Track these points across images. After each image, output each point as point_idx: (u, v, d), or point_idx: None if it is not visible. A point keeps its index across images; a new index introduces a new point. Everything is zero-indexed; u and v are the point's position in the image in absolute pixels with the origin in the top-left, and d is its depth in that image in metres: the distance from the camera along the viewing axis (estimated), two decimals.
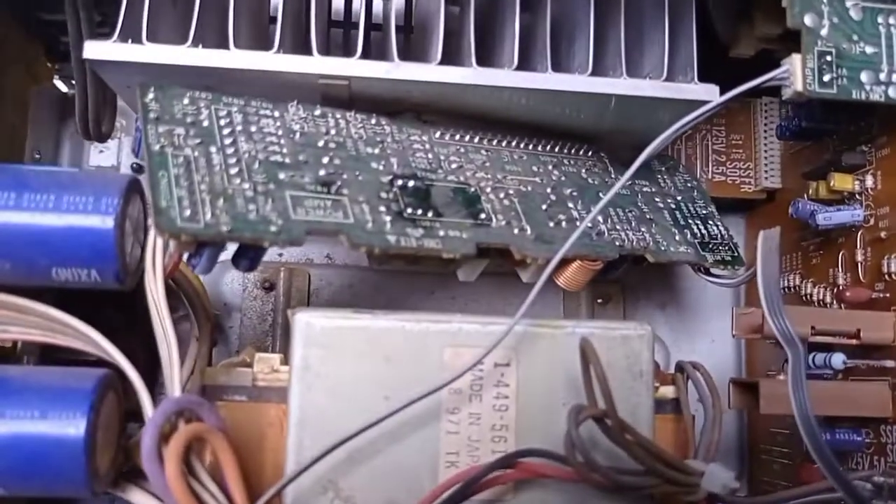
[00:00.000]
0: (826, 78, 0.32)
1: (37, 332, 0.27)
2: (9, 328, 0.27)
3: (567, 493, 0.30)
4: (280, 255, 0.43)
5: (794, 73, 0.32)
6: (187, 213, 0.26)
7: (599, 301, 0.45)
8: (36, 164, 0.41)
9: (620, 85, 0.33)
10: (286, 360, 0.31)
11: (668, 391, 0.34)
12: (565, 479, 0.29)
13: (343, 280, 0.44)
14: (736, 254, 0.38)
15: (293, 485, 0.29)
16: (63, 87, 0.43)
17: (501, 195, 0.34)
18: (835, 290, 0.38)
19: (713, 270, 0.39)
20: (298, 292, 0.42)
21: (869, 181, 0.36)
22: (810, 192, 0.38)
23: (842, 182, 0.36)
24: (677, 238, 0.37)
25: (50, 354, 0.30)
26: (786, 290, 0.42)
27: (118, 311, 0.29)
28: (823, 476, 0.30)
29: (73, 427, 0.26)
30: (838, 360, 0.34)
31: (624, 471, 0.29)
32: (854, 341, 0.34)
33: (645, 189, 0.39)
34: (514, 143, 0.37)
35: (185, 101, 0.30)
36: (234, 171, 0.29)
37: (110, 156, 0.44)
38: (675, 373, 0.34)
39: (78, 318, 0.28)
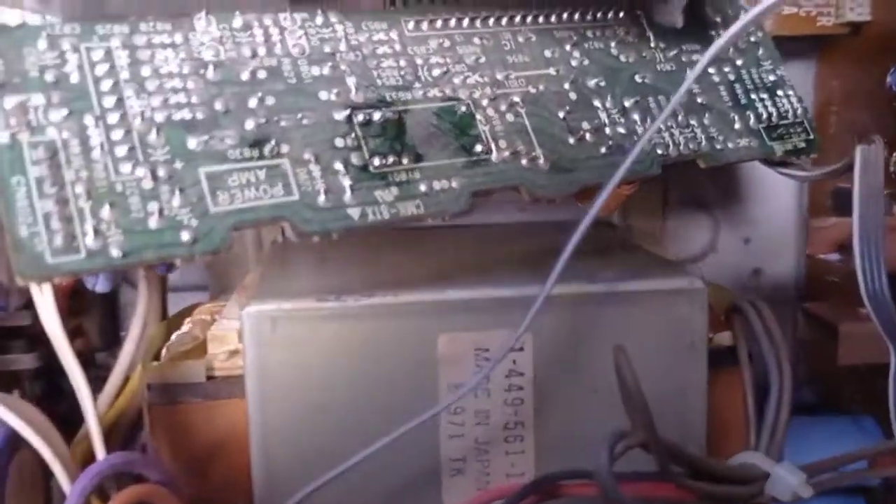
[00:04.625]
0: None
1: None
2: None
3: None
4: None
5: None
6: (59, 240, 0.19)
7: None
8: None
9: None
10: None
11: (723, 338, 0.27)
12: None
13: None
14: (811, 136, 0.30)
15: None
16: None
17: (503, 107, 0.25)
18: None
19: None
20: None
21: None
22: None
23: None
24: (737, 126, 0.29)
25: None
26: None
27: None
28: None
29: None
30: None
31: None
32: None
33: (695, 58, 0.29)
34: (517, 19, 0.27)
35: (42, 45, 0.21)
36: (122, 150, 0.20)
37: None
38: (732, 313, 0.27)
39: None
